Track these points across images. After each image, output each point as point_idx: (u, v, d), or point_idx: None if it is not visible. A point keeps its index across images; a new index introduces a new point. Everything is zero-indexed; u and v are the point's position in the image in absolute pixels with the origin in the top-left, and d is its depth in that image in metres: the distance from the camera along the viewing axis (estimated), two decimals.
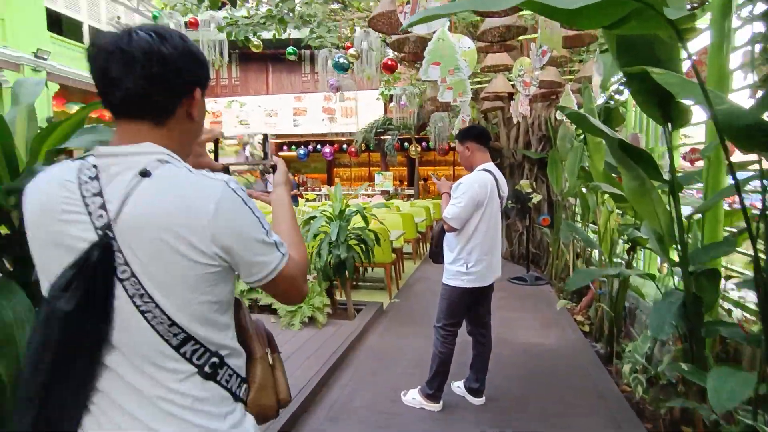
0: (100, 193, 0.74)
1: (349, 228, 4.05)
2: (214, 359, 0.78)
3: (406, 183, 18.02)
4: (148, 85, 0.74)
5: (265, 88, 16.13)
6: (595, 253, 5.46)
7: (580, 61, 5.40)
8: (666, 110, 1.76)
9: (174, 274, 0.73)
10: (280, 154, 18.76)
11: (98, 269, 0.71)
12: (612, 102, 4.70)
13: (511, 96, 6.00)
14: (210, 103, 16.22)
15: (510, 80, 5.07)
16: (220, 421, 0.78)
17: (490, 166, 2.51)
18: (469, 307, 2.57)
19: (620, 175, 3.61)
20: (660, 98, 1.73)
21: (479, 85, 6.01)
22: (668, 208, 2.04)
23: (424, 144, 15.24)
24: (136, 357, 0.74)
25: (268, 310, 4.06)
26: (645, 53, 1.61)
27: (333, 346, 3.35)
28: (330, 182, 20.45)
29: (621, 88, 4.61)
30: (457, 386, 2.81)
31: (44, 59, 11.81)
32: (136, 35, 0.74)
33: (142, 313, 0.73)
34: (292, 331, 3.68)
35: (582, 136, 5.88)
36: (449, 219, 2.39)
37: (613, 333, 3.34)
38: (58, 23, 13.40)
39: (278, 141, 16.73)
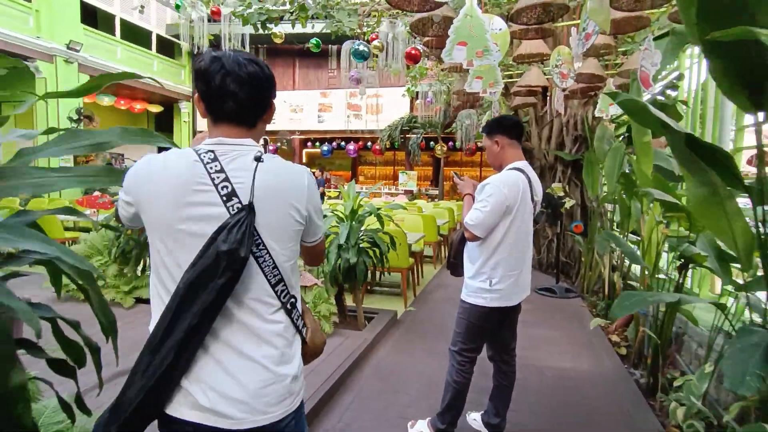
0: (222, 170, 0.97)
1: (362, 230, 3.72)
2: (292, 300, 1.05)
3: (431, 183, 17.61)
4: (252, 100, 1.02)
5: (292, 83, 15.99)
6: (635, 267, 4.96)
7: (624, 54, 4.90)
8: (759, 93, 1.34)
9: (284, 228, 1.01)
10: (305, 151, 18.65)
11: (248, 224, 0.93)
12: (663, 98, 4.21)
13: (545, 91, 5.55)
14: None
15: (545, 73, 4.64)
16: (291, 347, 1.04)
17: (523, 164, 2.12)
18: (492, 329, 2.19)
19: (674, 180, 3.15)
20: (752, 77, 1.32)
21: (510, 79, 5.57)
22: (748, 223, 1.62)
23: (450, 143, 14.79)
24: (245, 295, 0.97)
25: None
26: (739, 14, 1.20)
27: (336, 360, 3.02)
28: (354, 180, 20.21)
29: (675, 82, 4.11)
30: (474, 419, 2.43)
31: (76, 51, 11.95)
32: (243, 62, 0.99)
33: (257, 259, 0.98)
34: None
35: (623, 137, 5.38)
36: (471, 226, 2.02)
37: (658, 362, 2.89)
38: (93, 16, 13.59)
39: (302, 137, 16.59)
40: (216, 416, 0.94)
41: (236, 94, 0.99)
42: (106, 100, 14.18)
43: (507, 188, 2.00)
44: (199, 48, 7.78)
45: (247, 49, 8.77)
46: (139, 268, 4.39)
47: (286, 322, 1.03)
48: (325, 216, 3.69)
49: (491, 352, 2.33)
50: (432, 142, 14.76)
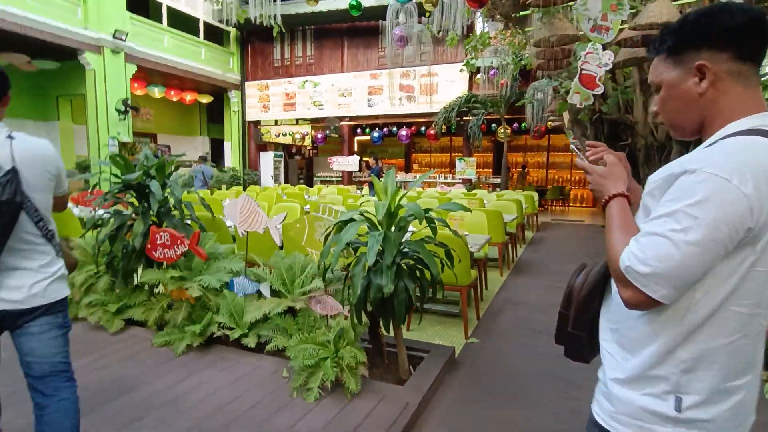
0: None
1: (404, 239, 2.58)
2: (50, 233, 1.63)
3: (492, 171, 16.04)
4: None
5: (340, 65, 14.99)
6: None
7: None
8: None
9: (41, 183, 1.59)
10: (356, 139, 17.68)
11: (17, 182, 1.49)
12: None
13: None
14: (284, 84, 15.51)
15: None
16: (56, 261, 1.66)
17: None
18: None
19: None
20: None
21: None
22: None
23: (514, 125, 13.15)
24: (19, 230, 1.53)
25: (279, 354, 2.75)
26: None
27: None
28: (408, 169, 18.98)
29: None
30: None
31: (122, 40, 11.68)
32: None
33: (24, 207, 1.52)
34: (304, 404, 2.30)
35: None
36: (646, 276, 0.81)
37: None
38: (143, 4, 13.34)
39: (352, 123, 15.61)
40: (5, 303, 1.52)
41: None
42: (157, 92, 14.00)
43: (750, 183, 0.77)
44: (228, 22, 6.89)
45: (279, 19, 7.79)
46: (135, 280, 3.57)
47: (48, 246, 1.62)
48: (352, 219, 2.58)
49: None
50: (494, 125, 13.17)
